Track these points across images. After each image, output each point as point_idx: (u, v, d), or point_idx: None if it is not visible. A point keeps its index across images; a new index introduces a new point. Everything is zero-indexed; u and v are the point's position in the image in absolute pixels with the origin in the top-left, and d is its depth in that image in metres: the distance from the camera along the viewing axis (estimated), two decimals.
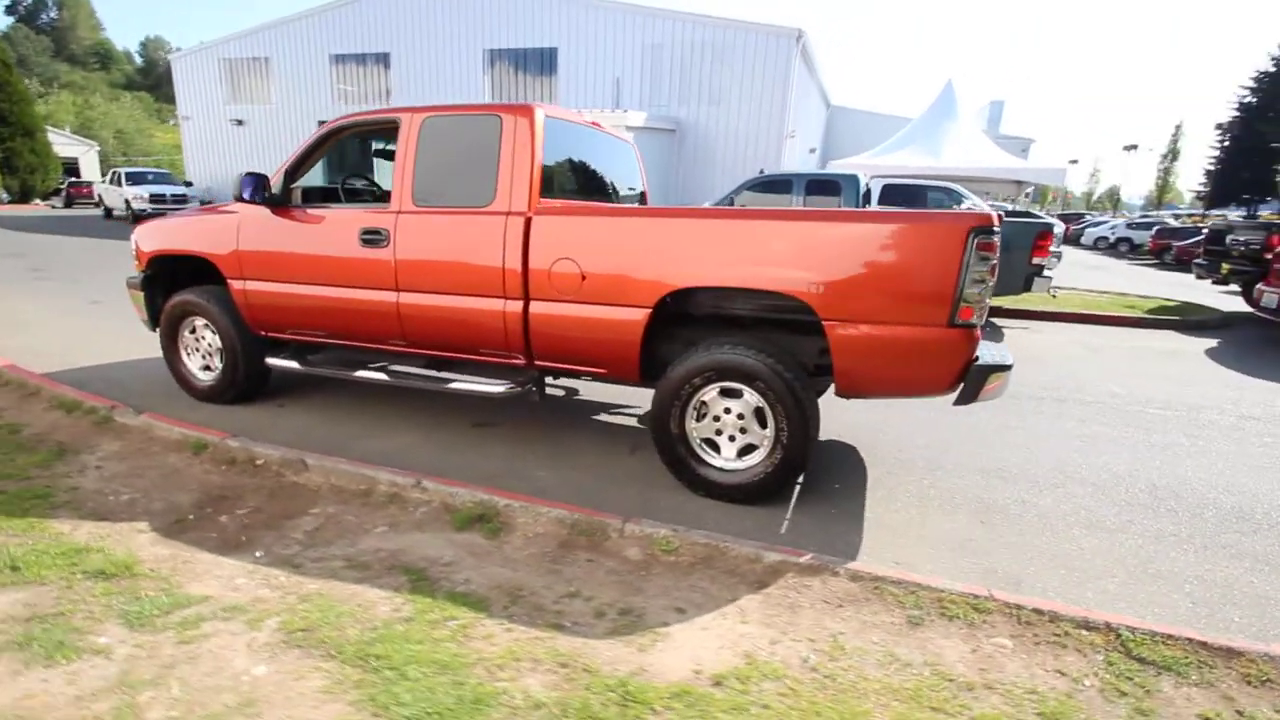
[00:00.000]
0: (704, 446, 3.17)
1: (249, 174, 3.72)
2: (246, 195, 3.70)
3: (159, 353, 4.49)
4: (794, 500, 3.17)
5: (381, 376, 3.80)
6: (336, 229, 3.71)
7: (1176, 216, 31.57)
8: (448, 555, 2.55)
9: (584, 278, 3.15)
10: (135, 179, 20.52)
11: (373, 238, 3.56)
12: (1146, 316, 8.47)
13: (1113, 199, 65.92)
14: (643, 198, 4.69)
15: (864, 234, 2.73)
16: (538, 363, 3.46)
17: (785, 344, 3.15)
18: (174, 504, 2.91)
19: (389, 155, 4.65)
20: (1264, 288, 7.25)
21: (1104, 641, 2.09)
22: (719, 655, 1.98)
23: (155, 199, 19.61)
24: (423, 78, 21.55)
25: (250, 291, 3.97)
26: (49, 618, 2.03)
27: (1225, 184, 40.80)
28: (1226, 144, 40.39)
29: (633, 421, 4.34)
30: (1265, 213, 39.05)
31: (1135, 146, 37.16)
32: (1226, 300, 10.51)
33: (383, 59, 22.09)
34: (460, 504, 2.88)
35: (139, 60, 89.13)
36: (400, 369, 3.83)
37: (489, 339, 3.45)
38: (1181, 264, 19.07)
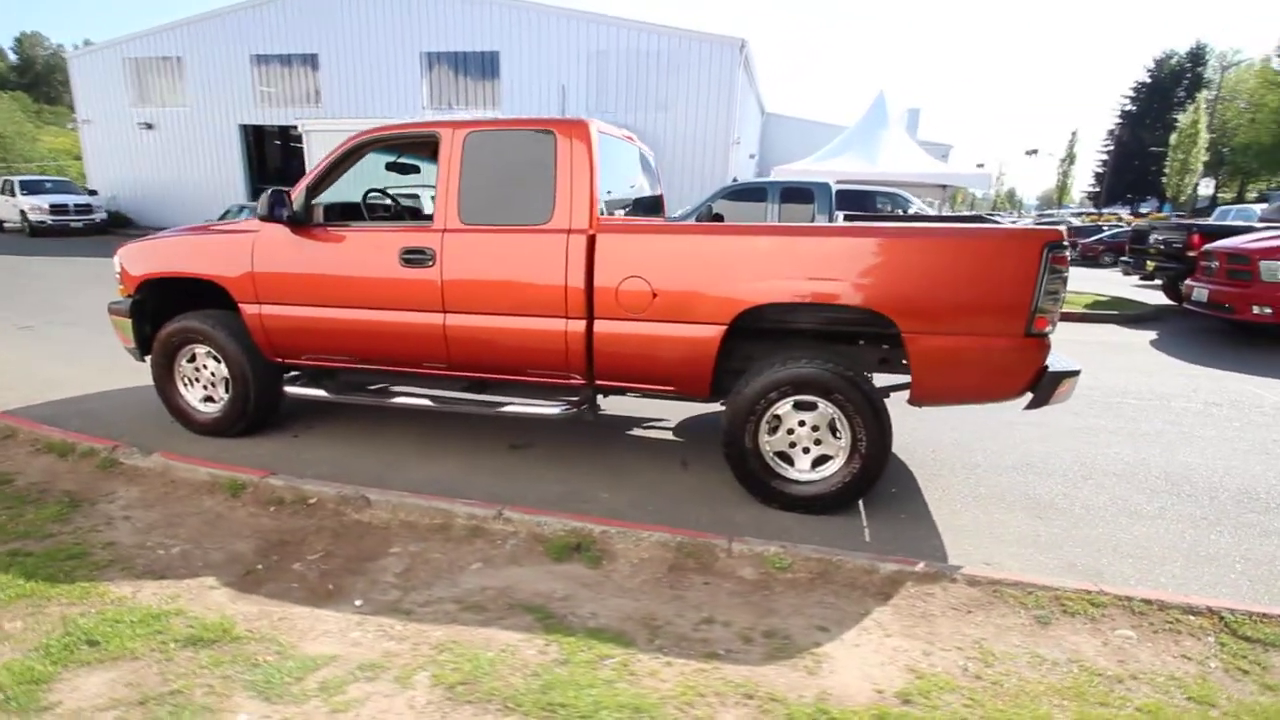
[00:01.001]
0: (776, 460, 3.20)
1: (274, 191, 3.47)
2: (273, 214, 3.45)
3: (126, 381, 4.10)
4: (863, 507, 3.25)
5: (426, 402, 3.62)
6: (371, 248, 3.51)
7: (1077, 215, 34.33)
8: (559, 589, 2.46)
9: (655, 295, 3.11)
10: (31, 188, 18.64)
11: (416, 257, 3.40)
12: (1088, 312, 9.17)
13: (1013, 200, 71.18)
14: (660, 203, 4.68)
15: (943, 248, 2.83)
16: (599, 382, 3.40)
17: (848, 355, 3.23)
18: (234, 554, 2.67)
19: (402, 169, 4.46)
20: (1192, 283, 7.99)
21: (1210, 624, 2.26)
22: (885, 672, 2.00)
23: (56, 209, 17.93)
24: (355, 80, 20.61)
25: (268, 316, 3.69)
26: (165, 697, 1.81)
27: (1112, 185, 44.86)
28: (1113, 149, 44.47)
29: (669, 434, 4.33)
30: (1145, 210, 43.16)
31: (1036, 151, 40.19)
32: (1143, 293, 11.53)
33: (310, 60, 20.98)
34: (550, 533, 2.78)
35: (13, 57, 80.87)
36: (442, 393, 3.66)
37: (546, 359, 3.36)
38: (1086, 260, 20.74)
